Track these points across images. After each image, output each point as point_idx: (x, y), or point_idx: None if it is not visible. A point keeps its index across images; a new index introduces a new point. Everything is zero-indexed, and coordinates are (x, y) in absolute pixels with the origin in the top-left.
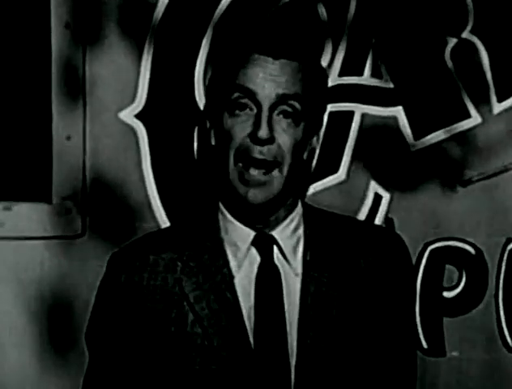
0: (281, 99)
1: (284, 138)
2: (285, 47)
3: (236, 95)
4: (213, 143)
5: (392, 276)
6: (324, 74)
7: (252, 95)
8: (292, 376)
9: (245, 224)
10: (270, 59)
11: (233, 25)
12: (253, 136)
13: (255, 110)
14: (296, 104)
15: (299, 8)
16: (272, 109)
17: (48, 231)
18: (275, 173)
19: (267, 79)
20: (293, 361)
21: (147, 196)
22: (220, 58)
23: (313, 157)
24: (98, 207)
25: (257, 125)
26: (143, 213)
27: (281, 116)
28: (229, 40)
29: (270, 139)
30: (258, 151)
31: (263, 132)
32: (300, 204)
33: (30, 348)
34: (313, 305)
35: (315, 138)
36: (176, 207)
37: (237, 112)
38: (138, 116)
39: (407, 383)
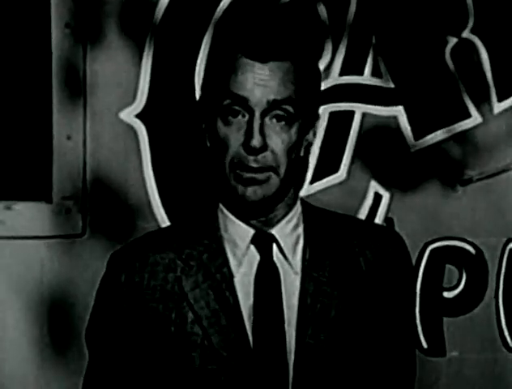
0: (273, 105)
1: (278, 142)
2: (272, 49)
3: (227, 101)
4: (208, 144)
5: (391, 275)
6: (317, 69)
7: (243, 102)
8: (291, 375)
9: (245, 222)
10: (258, 64)
11: (229, 26)
12: (247, 146)
13: (247, 117)
14: (289, 108)
15: (298, 8)
16: (264, 114)
17: (48, 230)
18: (271, 175)
19: (258, 84)
20: (292, 360)
21: (147, 195)
22: (212, 61)
23: (309, 152)
24: (98, 206)
25: (249, 133)
26: (144, 212)
27: (274, 120)
28: (221, 43)
29: (263, 147)
30: (252, 160)
31: (256, 141)
32: (299, 203)
33: (30, 347)
34: (312, 304)
35: (311, 133)
36: (176, 206)
37: (230, 118)
38: (138, 116)
39: (407, 382)
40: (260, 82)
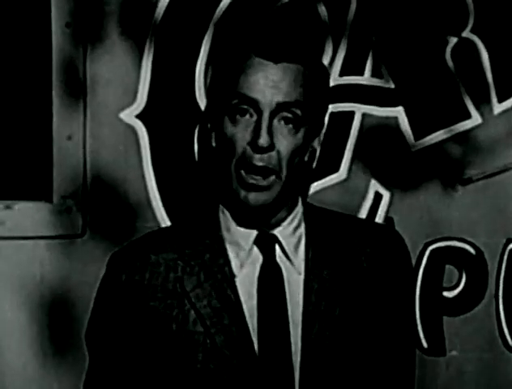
0: (281, 106)
1: (284, 144)
2: (285, 50)
3: (236, 100)
4: (214, 144)
5: (392, 272)
6: (326, 74)
7: (253, 102)
8: (297, 374)
9: (246, 226)
10: (270, 64)
11: (233, 26)
12: (254, 144)
13: (255, 117)
14: (297, 111)
15: (299, 8)
16: (273, 115)
17: (48, 230)
18: (274, 179)
19: (268, 85)
20: (298, 359)
21: (147, 196)
22: (220, 61)
23: (314, 158)
24: (99, 206)
25: (257, 133)
26: (144, 213)
27: (282, 122)
28: (229, 43)
29: (270, 147)
30: (258, 159)
31: (263, 140)
32: (300, 203)
33: (30, 347)
34: (317, 301)
35: (316, 140)
36: (176, 206)
37: (238, 117)
38: (138, 116)
39: (407, 379)
40: (270, 83)
